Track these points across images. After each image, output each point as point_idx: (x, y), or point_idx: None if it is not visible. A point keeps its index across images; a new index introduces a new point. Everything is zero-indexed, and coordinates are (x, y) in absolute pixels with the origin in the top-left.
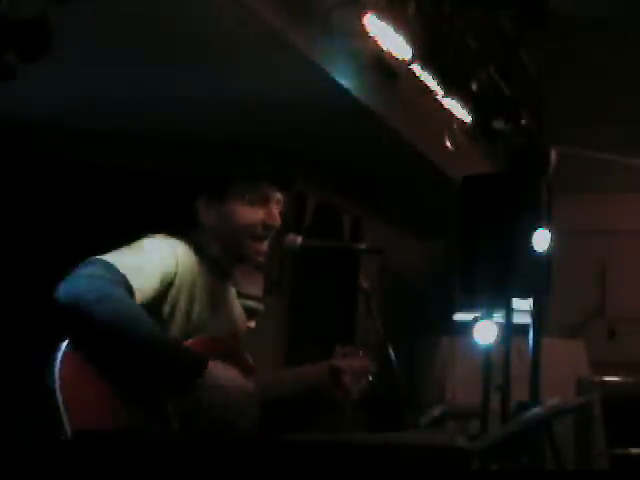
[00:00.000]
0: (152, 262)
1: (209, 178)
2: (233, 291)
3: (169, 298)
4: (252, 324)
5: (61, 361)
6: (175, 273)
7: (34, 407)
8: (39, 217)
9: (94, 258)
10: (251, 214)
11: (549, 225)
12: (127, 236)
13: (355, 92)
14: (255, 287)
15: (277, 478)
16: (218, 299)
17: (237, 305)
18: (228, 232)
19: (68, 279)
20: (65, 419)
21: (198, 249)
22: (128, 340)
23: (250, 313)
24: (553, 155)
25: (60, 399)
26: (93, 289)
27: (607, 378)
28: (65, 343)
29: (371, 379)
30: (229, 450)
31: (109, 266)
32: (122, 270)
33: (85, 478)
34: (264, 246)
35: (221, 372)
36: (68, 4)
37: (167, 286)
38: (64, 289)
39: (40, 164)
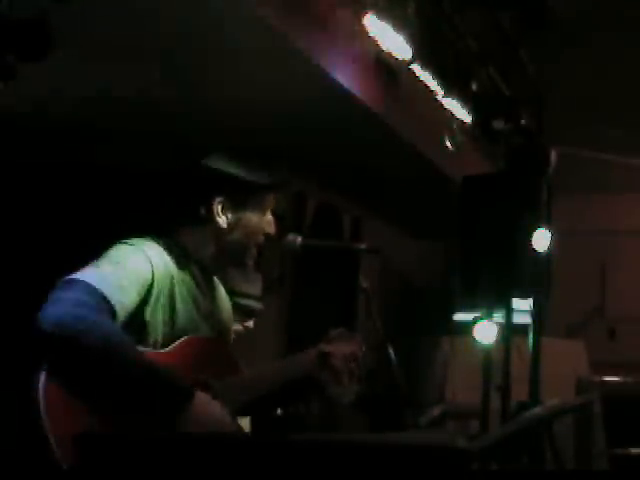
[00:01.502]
0: (128, 274)
1: (233, 180)
2: (222, 290)
3: (149, 303)
4: (250, 324)
5: (44, 394)
6: (152, 279)
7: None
8: (42, 218)
9: (74, 279)
10: (262, 224)
11: (549, 225)
12: (124, 233)
13: (355, 92)
14: (254, 286)
15: (277, 478)
16: (203, 299)
17: (226, 304)
18: (239, 237)
19: (51, 305)
20: (54, 446)
21: (181, 250)
22: (115, 370)
23: (249, 312)
24: (553, 155)
25: (48, 428)
26: (79, 318)
27: (607, 378)
28: (44, 373)
29: (362, 360)
30: (229, 450)
31: (91, 289)
32: (103, 291)
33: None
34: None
35: (205, 409)
36: (68, 4)
37: (146, 293)
38: (48, 316)
39: (40, 165)
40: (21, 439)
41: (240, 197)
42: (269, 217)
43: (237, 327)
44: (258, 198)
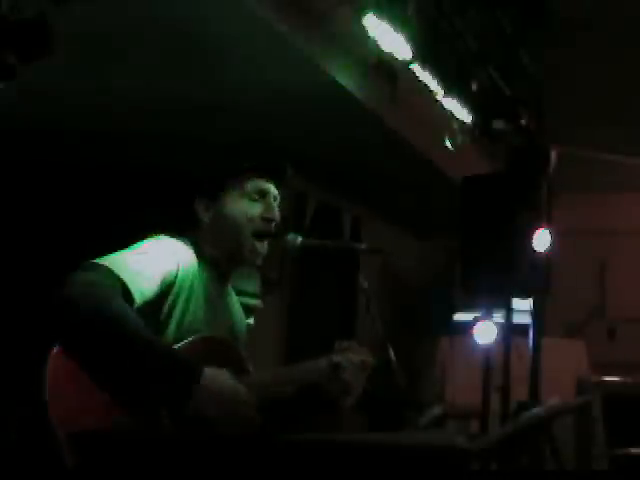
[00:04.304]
0: (153, 265)
1: (206, 178)
2: (233, 295)
3: (168, 299)
4: (250, 321)
5: (48, 369)
6: (176, 275)
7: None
8: (36, 218)
9: (92, 262)
10: (250, 208)
11: (549, 225)
12: (128, 237)
13: (355, 92)
14: (251, 284)
15: (277, 478)
16: (216, 302)
17: (238, 309)
18: (229, 230)
19: (66, 285)
20: (57, 429)
21: (197, 250)
22: (124, 349)
23: (247, 310)
24: (553, 155)
25: (50, 408)
26: (91, 297)
27: (607, 378)
28: (55, 350)
29: (371, 374)
30: (229, 450)
31: (107, 271)
32: (121, 275)
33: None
34: (264, 247)
35: (217, 381)
36: (67, 5)
37: (167, 288)
38: (61, 295)
39: (40, 164)
40: (27, 424)
41: (213, 189)
42: (268, 201)
43: None
44: (234, 184)
